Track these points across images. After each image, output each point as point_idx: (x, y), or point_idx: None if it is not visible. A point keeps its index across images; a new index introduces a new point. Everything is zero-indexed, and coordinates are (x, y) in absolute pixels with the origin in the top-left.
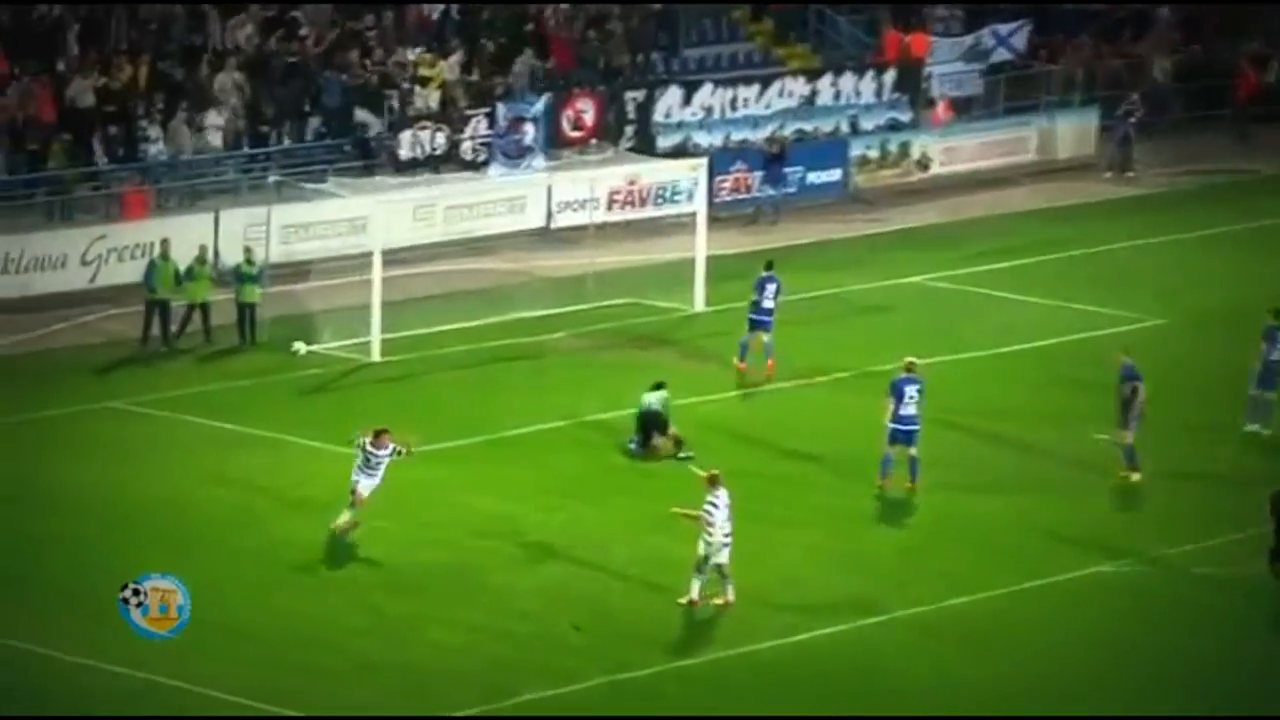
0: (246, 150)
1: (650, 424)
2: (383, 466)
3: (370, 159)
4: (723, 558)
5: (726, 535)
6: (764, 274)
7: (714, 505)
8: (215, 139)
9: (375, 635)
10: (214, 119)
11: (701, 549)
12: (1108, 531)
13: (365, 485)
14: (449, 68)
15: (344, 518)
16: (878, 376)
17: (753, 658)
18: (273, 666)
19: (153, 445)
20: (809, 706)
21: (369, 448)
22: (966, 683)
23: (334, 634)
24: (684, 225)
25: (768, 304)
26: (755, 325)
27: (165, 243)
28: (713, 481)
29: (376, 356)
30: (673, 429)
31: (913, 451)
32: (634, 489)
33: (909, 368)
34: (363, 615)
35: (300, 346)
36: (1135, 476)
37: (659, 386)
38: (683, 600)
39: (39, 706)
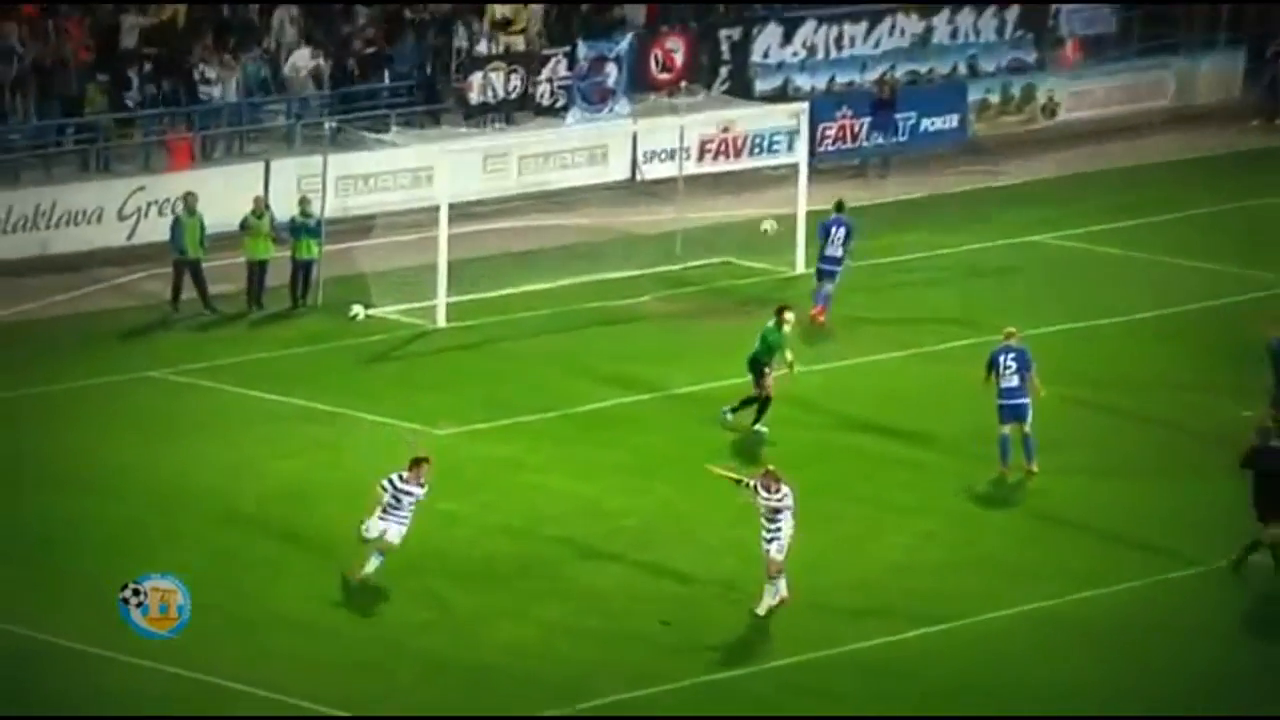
0: (305, 92)
1: (754, 372)
2: (414, 508)
3: (437, 103)
4: (780, 556)
5: (792, 536)
6: (833, 216)
7: (783, 500)
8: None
9: (441, 632)
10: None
11: (777, 553)
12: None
13: (394, 530)
14: (534, 17)
15: (370, 566)
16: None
17: (856, 657)
18: (329, 665)
19: (196, 419)
20: (917, 709)
21: (400, 485)
22: (1090, 685)
23: (396, 630)
24: (783, 178)
25: (834, 251)
26: (823, 275)
27: (190, 196)
28: (774, 478)
29: (442, 322)
30: (768, 379)
31: (1026, 429)
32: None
33: (1008, 336)
34: (427, 609)
35: (358, 310)
36: None
37: (778, 312)
38: (774, 602)
39: (70, 706)
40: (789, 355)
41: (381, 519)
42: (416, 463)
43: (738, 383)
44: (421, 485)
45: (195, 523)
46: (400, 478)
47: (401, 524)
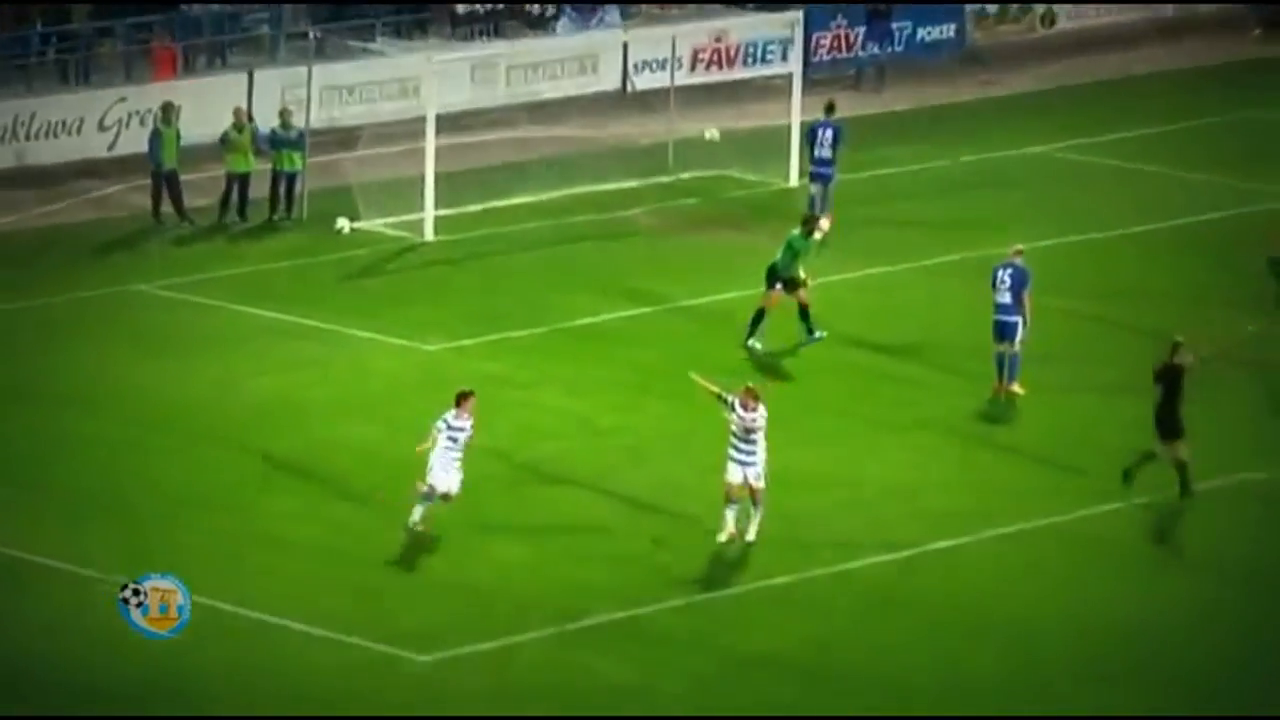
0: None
1: (769, 280)
2: (465, 446)
3: (423, 12)
4: (762, 482)
5: (765, 460)
6: (822, 119)
7: (756, 420)
8: None
9: (434, 552)
10: None
11: (745, 477)
12: (1260, 435)
13: (444, 478)
14: None
15: (416, 514)
16: (996, 260)
17: (853, 576)
18: (323, 585)
19: (183, 334)
20: (917, 630)
21: (454, 423)
22: (1096, 611)
23: (389, 550)
24: (777, 88)
25: (824, 153)
26: (815, 178)
27: (168, 107)
28: (753, 395)
29: (429, 235)
30: (801, 292)
31: (1015, 348)
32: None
33: (1015, 254)
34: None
35: (344, 224)
36: None
37: (808, 221)
38: (722, 537)
39: (51, 626)
40: (802, 272)
41: (444, 467)
42: (463, 396)
43: (730, 296)
44: (469, 420)
45: (183, 439)
46: (453, 415)
47: (458, 466)
